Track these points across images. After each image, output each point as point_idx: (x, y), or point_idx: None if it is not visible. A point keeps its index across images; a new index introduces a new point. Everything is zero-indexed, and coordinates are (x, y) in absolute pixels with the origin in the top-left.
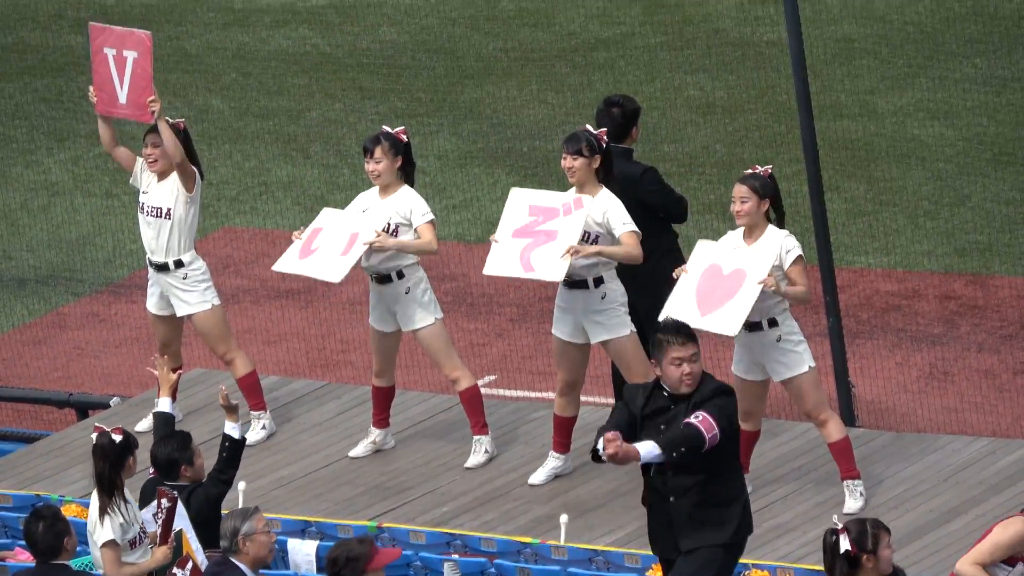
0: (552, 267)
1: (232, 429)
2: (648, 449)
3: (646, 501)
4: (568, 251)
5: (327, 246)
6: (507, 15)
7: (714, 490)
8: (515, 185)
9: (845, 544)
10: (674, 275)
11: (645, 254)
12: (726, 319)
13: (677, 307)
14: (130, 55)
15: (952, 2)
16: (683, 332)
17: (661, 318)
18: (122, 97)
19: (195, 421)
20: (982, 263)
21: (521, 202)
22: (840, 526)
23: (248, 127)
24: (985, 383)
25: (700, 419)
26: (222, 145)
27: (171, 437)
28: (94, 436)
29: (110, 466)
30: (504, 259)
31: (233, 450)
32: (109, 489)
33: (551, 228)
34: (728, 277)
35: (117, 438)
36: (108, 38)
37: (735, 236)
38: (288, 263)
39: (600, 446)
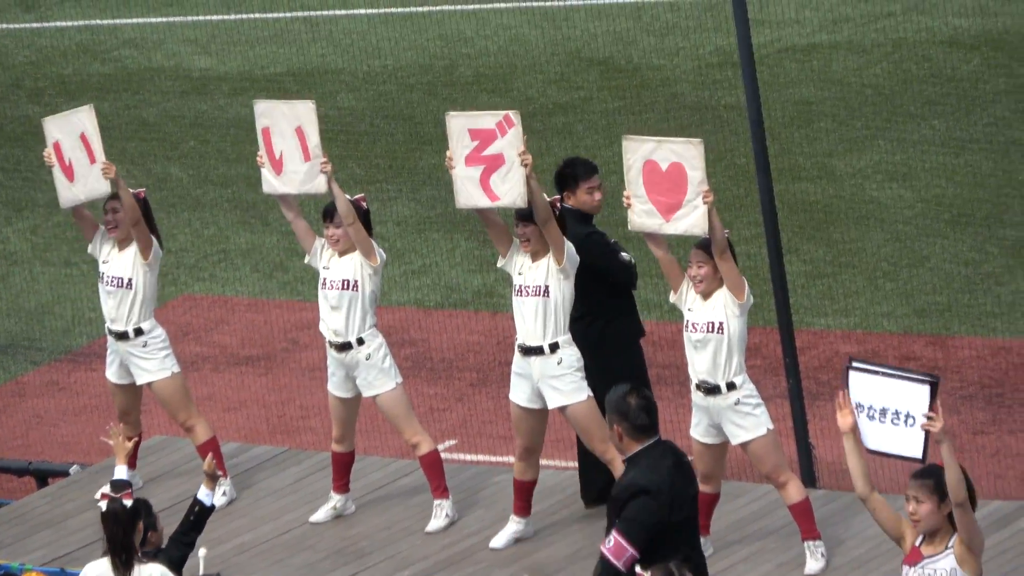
0: (513, 192)
1: (206, 496)
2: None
3: None
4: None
5: (289, 152)
6: (465, 80)
7: None
8: (473, 250)
9: None
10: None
11: (593, 317)
12: (690, 220)
13: (642, 217)
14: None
15: (910, 64)
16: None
17: (630, 228)
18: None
19: (155, 488)
20: (941, 324)
21: (460, 127)
22: (641, 573)
23: (207, 195)
24: None
25: (610, 546)
26: (181, 213)
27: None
28: (103, 504)
29: (124, 532)
30: (469, 191)
31: (201, 515)
32: (128, 558)
33: (496, 151)
34: (669, 174)
35: (128, 503)
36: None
37: (691, 297)
38: (270, 185)
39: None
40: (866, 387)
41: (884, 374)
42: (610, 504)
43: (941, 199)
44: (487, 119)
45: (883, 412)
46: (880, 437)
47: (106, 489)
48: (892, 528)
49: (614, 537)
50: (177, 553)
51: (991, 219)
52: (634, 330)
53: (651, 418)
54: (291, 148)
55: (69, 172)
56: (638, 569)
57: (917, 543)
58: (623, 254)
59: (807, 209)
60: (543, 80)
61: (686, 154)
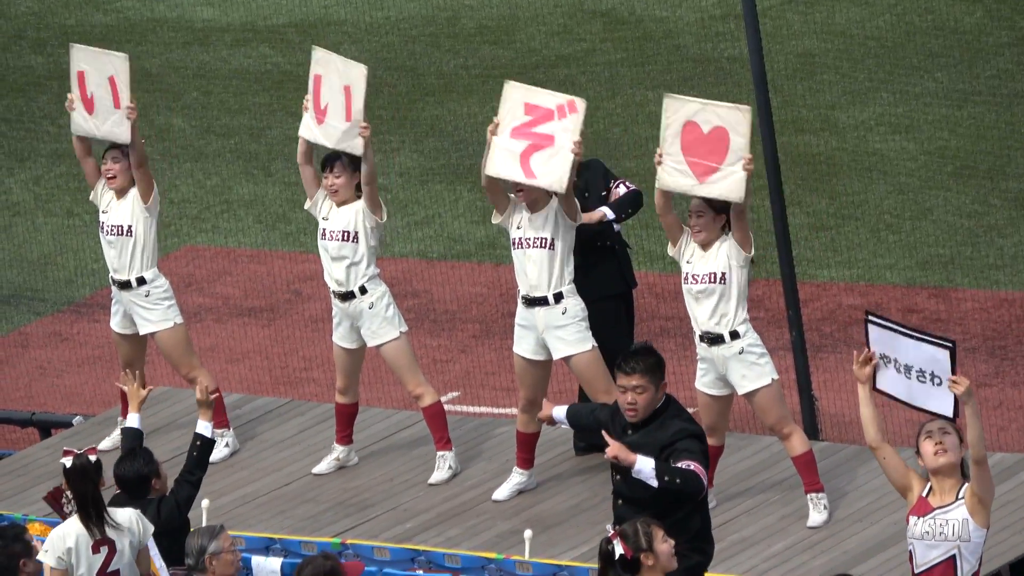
0: (553, 175)
1: (204, 428)
2: (644, 463)
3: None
4: (574, 152)
5: (333, 107)
6: (468, 32)
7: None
8: (476, 201)
9: (620, 549)
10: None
11: (585, 271)
12: (726, 184)
13: (672, 175)
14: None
15: (913, 16)
16: (633, 360)
17: (658, 186)
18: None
19: (158, 439)
20: (945, 276)
21: (516, 98)
22: (612, 531)
23: (209, 145)
24: None
25: (694, 467)
26: (183, 164)
27: (134, 453)
28: (67, 460)
29: (92, 486)
30: (505, 161)
31: (203, 450)
32: (97, 510)
33: (548, 131)
34: (710, 137)
35: (92, 458)
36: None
37: (691, 249)
38: (309, 131)
39: (607, 441)
40: (887, 342)
41: (902, 332)
42: (649, 446)
43: (944, 151)
44: (547, 98)
45: (908, 368)
46: (908, 389)
47: (65, 445)
48: (900, 478)
49: (694, 464)
50: (184, 493)
51: (994, 171)
52: (601, 286)
53: None
54: (336, 103)
55: (89, 105)
56: (608, 527)
57: (924, 494)
58: (600, 210)
59: (810, 161)
60: (546, 32)
61: (731, 119)
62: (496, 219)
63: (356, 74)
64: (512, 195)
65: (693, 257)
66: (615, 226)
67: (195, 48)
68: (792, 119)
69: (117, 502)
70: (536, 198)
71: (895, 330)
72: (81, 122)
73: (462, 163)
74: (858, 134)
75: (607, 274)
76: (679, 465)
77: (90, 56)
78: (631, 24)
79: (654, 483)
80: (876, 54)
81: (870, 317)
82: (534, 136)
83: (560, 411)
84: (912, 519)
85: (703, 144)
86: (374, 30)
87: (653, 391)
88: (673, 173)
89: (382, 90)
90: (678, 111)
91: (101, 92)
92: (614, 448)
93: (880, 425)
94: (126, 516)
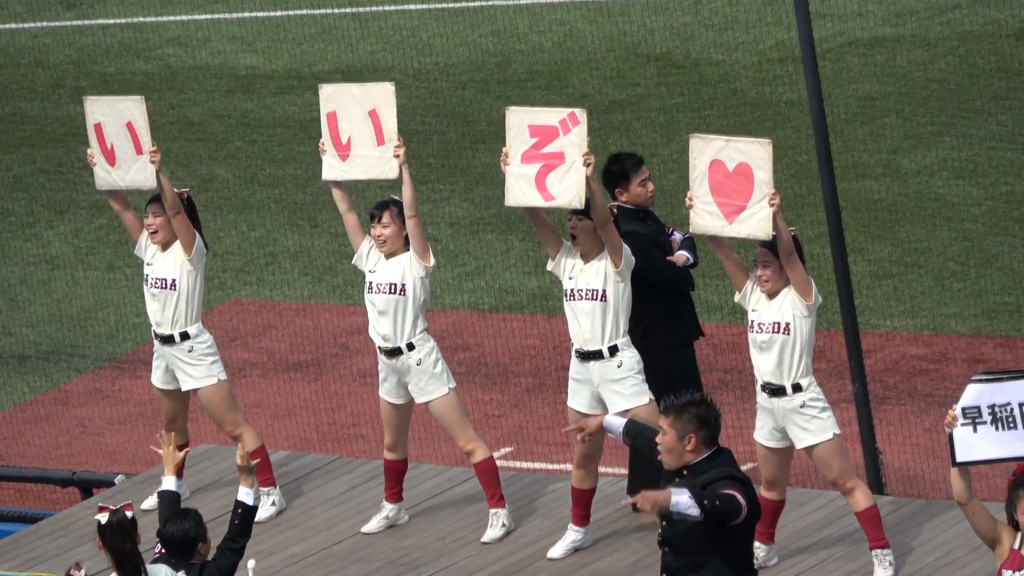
0: (571, 191)
1: (246, 495)
2: (679, 495)
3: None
4: (586, 163)
5: (359, 137)
6: (519, 77)
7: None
8: (528, 251)
9: None
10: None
11: (635, 322)
12: (754, 223)
13: (704, 218)
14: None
15: (976, 58)
16: (670, 402)
17: (691, 230)
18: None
19: (203, 499)
20: (1011, 325)
21: (520, 122)
22: None
23: (254, 196)
24: None
25: (730, 491)
26: (227, 215)
27: (184, 514)
28: (102, 517)
29: (131, 542)
30: (522, 190)
31: (246, 517)
32: (135, 567)
33: (556, 149)
34: (735, 174)
35: (128, 514)
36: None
37: (756, 296)
38: (333, 171)
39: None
40: (988, 395)
41: (1009, 377)
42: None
43: (1010, 196)
44: (549, 115)
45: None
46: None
47: (101, 502)
48: (989, 532)
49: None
50: (226, 561)
51: None
52: (678, 336)
53: (719, 427)
54: (362, 132)
55: (110, 156)
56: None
57: (1016, 546)
58: (682, 254)
59: (872, 207)
60: (599, 77)
61: (754, 154)
62: (550, 265)
63: (381, 94)
64: (566, 241)
65: (759, 305)
66: (691, 271)
67: (238, 96)
68: (853, 164)
69: (159, 562)
70: (588, 249)
71: (1002, 379)
72: (104, 176)
73: (514, 212)
74: (921, 179)
75: (689, 321)
76: (724, 491)
77: (104, 106)
78: (687, 68)
79: (695, 512)
80: (939, 97)
81: (977, 376)
82: (544, 157)
83: (616, 422)
84: (1005, 573)
85: (729, 183)
86: (422, 76)
87: (675, 435)
88: (704, 215)
89: (431, 138)
90: (703, 151)
91: (121, 140)
92: (644, 500)
93: (967, 480)
94: (159, 573)
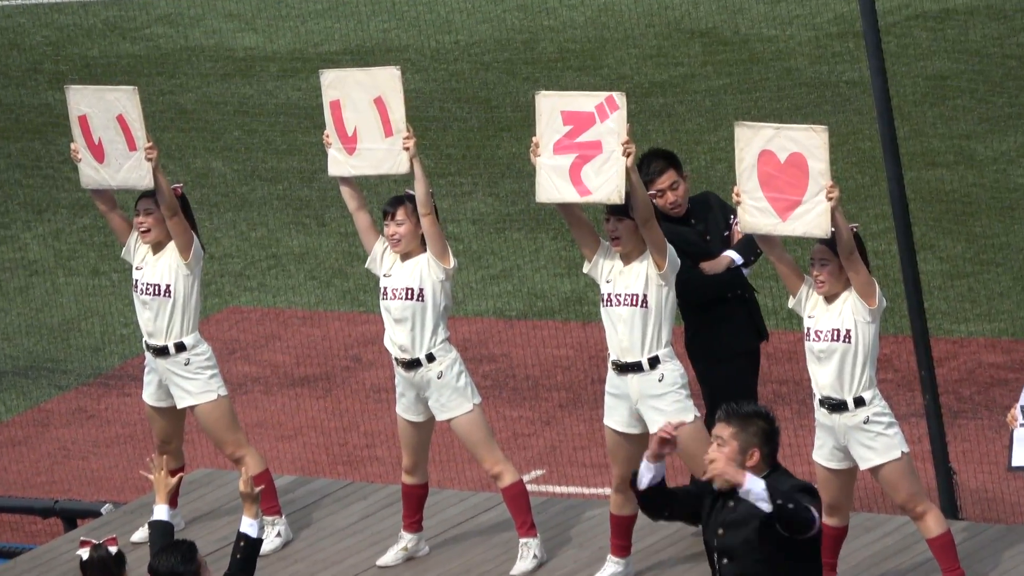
0: (610, 185)
1: (250, 526)
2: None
3: None
4: (626, 153)
5: (365, 128)
6: (548, 58)
7: None
8: (560, 251)
9: None
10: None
11: (713, 327)
12: (810, 219)
13: (754, 215)
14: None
15: None
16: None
17: (739, 227)
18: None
19: (200, 529)
20: None
21: (551, 108)
22: None
23: (254, 192)
24: None
25: (806, 504)
26: (225, 213)
27: (173, 547)
28: (83, 552)
29: None
30: (554, 184)
31: (249, 551)
32: None
33: (593, 137)
34: (788, 166)
35: (113, 549)
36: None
37: (813, 301)
38: (340, 166)
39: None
40: None
41: None
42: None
43: None
44: (584, 100)
45: None
46: None
47: (84, 534)
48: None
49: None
50: None
51: None
52: (733, 342)
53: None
54: (368, 123)
55: (98, 152)
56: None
57: None
58: (727, 255)
59: (943, 199)
60: (638, 56)
61: (808, 142)
62: (586, 267)
63: (386, 79)
64: (604, 240)
65: (816, 311)
66: (744, 271)
67: (236, 80)
68: (922, 151)
69: None
70: (630, 250)
71: None
72: (92, 174)
73: (543, 207)
74: (998, 167)
75: (738, 327)
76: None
77: (90, 96)
78: (735, 45)
79: (766, 505)
80: (1017, 75)
81: None
82: (579, 147)
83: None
84: None
85: (781, 175)
86: (441, 56)
87: (736, 448)
88: (754, 213)
89: (451, 125)
90: (751, 140)
91: (110, 135)
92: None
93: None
94: None
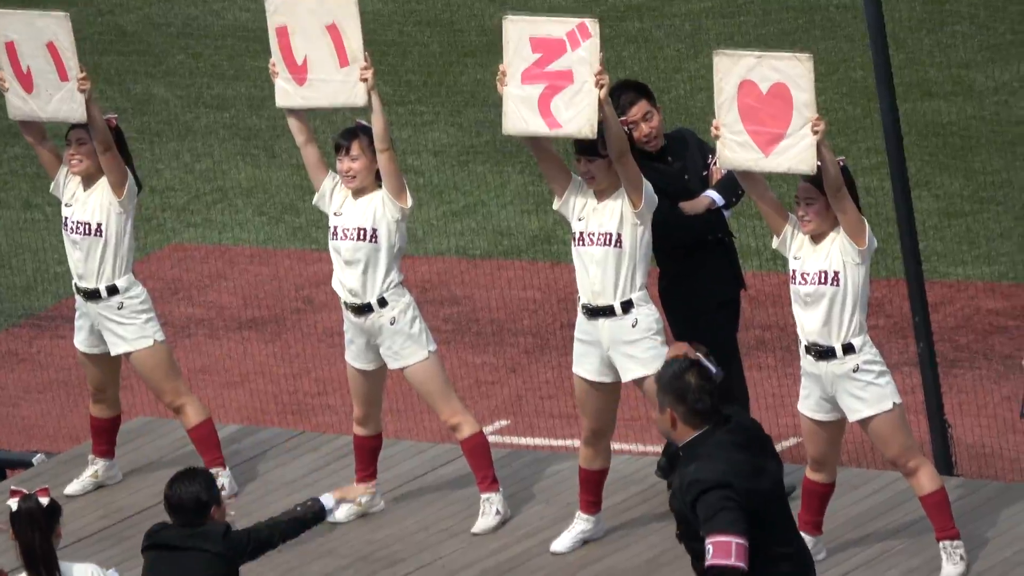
0: (581, 117)
1: (327, 499)
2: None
3: None
4: (598, 84)
5: (317, 58)
6: None
7: None
8: (528, 186)
9: None
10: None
11: (693, 272)
12: (794, 154)
13: (734, 150)
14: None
15: None
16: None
17: (718, 164)
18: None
19: (139, 482)
20: None
21: (519, 35)
22: None
23: (199, 120)
24: None
25: (712, 555)
26: (167, 143)
27: (191, 474)
28: (13, 503)
29: (41, 535)
30: (522, 115)
31: (310, 516)
32: (47, 565)
33: (563, 66)
34: (770, 97)
35: (44, 500)
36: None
37: (799, 241)
38: (289, 97)
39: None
40: None
41: None
42: (677, 506)
43: None
44: (555, 26)
45: None
46: None
47: (15, 484)
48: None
49: (709, 545)
50: (261, 536)
51: None
52: (714, 290)
53: (713, 400)
54: (320, 52)
55: (26, 81)
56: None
57: None
58: (707, 195)
59: (940, 133)
60: None
61: (791, 72)
62: (557, 204)
63: (341, 4)
64: (576, 175)
65: (802, 251)
66: (725, 213)
67: (180, 1)
68: (918, 81)
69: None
70: (604, 187)
71: None
72: (20, 104)
73: (510, 139)
74: (999, 99)
75: (720, 274)
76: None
77: (17, 22)
78: None
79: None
80: (1020, 0)
81: None
82: (549, 76)
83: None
84: None
85: (763, 107)
86: None
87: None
88: (735, 148)
89: (411, 50)
90: (731, 70)
91: (40, 64)
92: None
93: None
94: (84, 573)
